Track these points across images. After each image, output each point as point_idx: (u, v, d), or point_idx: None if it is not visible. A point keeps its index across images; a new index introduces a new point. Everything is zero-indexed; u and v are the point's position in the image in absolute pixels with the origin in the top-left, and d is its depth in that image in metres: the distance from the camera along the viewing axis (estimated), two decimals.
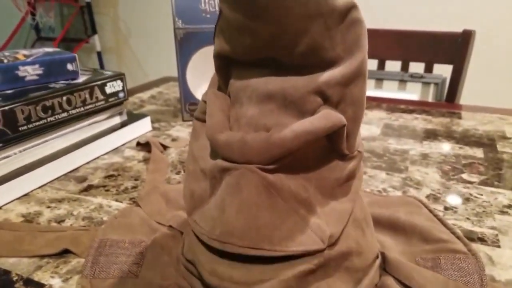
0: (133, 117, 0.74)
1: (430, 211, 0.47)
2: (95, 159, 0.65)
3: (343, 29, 0.31)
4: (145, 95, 0.97)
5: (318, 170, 0.34)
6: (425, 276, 0.37)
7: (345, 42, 0.32)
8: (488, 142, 0.70)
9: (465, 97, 2.09)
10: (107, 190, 0.55)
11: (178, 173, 0.60)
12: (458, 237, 0.42)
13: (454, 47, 1.00)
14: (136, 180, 0.58)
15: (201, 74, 0.79)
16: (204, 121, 0.39)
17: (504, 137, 0.72)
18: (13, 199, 0.53)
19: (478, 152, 0.66)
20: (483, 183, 0.57)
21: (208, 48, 0.76)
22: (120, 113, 0.72)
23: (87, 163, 0.64)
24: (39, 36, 3.17)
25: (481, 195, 0.54)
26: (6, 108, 0.52)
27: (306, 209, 0.33)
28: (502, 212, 0.50)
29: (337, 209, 0.35)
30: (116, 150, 0.68)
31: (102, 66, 2.94)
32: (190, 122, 0.80)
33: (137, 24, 2.76)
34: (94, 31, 2.89)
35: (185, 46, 0.75)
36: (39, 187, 0.56)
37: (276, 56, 0.32)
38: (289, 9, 0.29)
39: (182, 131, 0.76)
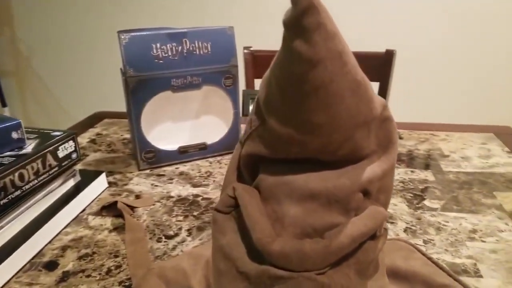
0: (86, 176, 0.68)
1: (424, 254, 0.51)
2: (57, 234, 0.59)
3: (377, 127, 0.33)
4: (82, 139, 0.89)
5: (356, 255, 0.35)
6: None
7: (378, 137, 0.33)
8: (432, 163, 0.77)
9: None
10: (88, 276, 0.51)
11: (159, 240, 0.57)
12: (456, 280, 0.46)
13: (379, 66, 1.08)
14: (116, 256, 0.54)
15: (155, 120, 0.75)
16: (226, 213, 0.38)
17: (443, 155, 0.80)
18: None
19: (429, 175, 0.73)
20: (444, 208, 0.63)
21: (163, 94, 0.72)
22: (74, 175, 0.66)
23: (50, 242, 0.57)
24: None
25: (447, 222, 0.60)
26: None
27: None
28: (470, 238, 0.56)
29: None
30: (78, 220, 0.62)
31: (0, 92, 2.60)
32: (148, 171, 0.76)
33: (39, 43, 2.49)
34: None
35: (139, 94, 0.70)
36: (3, 286, 0.49)
37: (317, 157, 0.33)
38: (341, 123, 0.29)
39: (142, 183, 0.72)
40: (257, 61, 1.22)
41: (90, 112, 2.30)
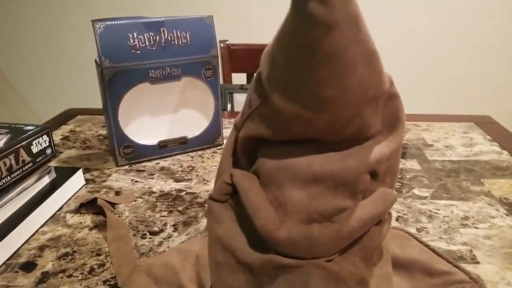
0: (62, 173, 0.64)
1: (420, 241, 0.49)
2: (34, 234, 0.54)
3: (383, 105, 0.31)
4: (55, 136, 0.85)
5: (361, 241, 0.34)
6: None
7: (384, 116, 0.32)
8: (417, 152, 0.77)
9: None
10: (69, 276, 0.47)
11: (143, 237, 0.54)
12: (456, 266, 0.45)
13: None
14: (99, 255, 0.51)
15: (133, 114, 0.71)
16: (223, 202, 0.35)
17: (427, 145, 0.80)
18: None
19: (415, 164, 0.72)
20: (434, 197, 0.62)
21: (141, 86, 0.69)
22: (49, 172, 0.62)
23: (26, 242, 0.53)
24: None
25: (439, 210, 0.59)
26: None
27: (364, 287, 0.32)
28: (463, 225, 0.56)
29: (381, 276, 0.35)
30: (55, 218, 0.58)
31: None
32: (127, 167, 0.72)
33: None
34: None
35: (115, 86, 0.67)
36: None
37: (320, 137, 0.31)
38: (351, 97, 0.27)
39: (122, 179, 0.68)
40: (234, 55, 1.20)
41: (57, 111, 2.19)
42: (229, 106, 1.08)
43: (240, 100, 1.11)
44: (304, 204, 0.31)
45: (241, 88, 1.03)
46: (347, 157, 0.31)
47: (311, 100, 0.27)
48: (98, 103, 2.22)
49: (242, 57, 1.20)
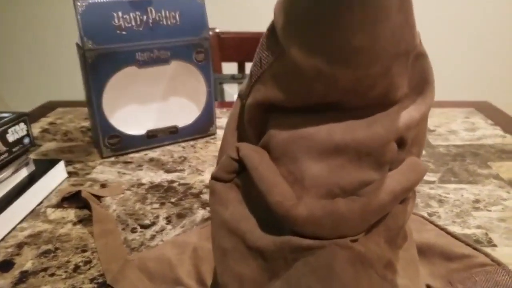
0: (42, 166, 0.59)
1: (436, 225, 0.46)
2: (11, 230, 0.49)
3: (411, 65, 0.27)
4: (33, 129, 0.79)
5: (384, 221, 0.30)
6: None
7: (411, 78, 0.28)
8: None
9: None
10: (52, 275, 0.42)
11: (133, 230, 0.49)
12: (475, 249, 0.42)
13: None
14: (84, 251, 0.46)
15: (119, 101, 0.66)
16: (228, 181, 0.31)
17: (429, 130, 0.77)
18: None
19: None
20: (442, 181, 0.59)
21: (127, 70, 0.64)
22: (27, 164, 0.56)
23: (3, 239, 0.48)
24: None
25: (448, 194, 0.56)
26: None
27: (391, 271, 0.28)
28: (475, 208, 0.52)
29: (407, 259, 0.31)
30: (34, 213, 0.53)
31: None
32: (112, 159, 0.67)
33: None
34: None
35: (99, 70, 0.61)
36: None
37: (341, 101, 0.27)
38: (382, 49, 0.23)
39: (107, 172, 0.63)
40: (224, 44, 1.15)
41: (35, 106, 2.06)
42: (218, 98, 1.04)
43: (230, 92, 1.06)
44: (324, 178, 0.26)
45: (232, 78, 0.98)
46: (373, 124, 0.27)
47: (337, 51, 0.23)
48: (80, 96, 2.07)
49: (233, 45, 1.15)
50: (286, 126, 0.28)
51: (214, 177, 0.31)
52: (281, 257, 0.26)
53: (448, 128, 0.78)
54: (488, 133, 0.75)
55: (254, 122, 0.30)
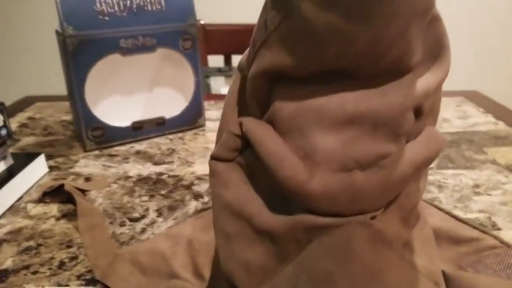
0: (20, 159, 0.55)
1: (440, 209, 0.44)
2: None
3: (425, 30, 0.25)
4: (11, 124, 0.75)
5: (398, 199, 0.28)
6: (489, 284, 0.34)
7: (426, 44, 0.26)
8: None
9: None
10: (35, 273, 0.39)
11: (122, 224, 0.46)
12: (483, 231, 0.41)
13: None
14: (69, 247, 0.42)
15: (102, 91, 0.63)
16: (229, 161, 0.28)
17: None
18: None
19: None
20: (440, 167, 0.58)
21: (110, 58, 0.61)
22: (4, 157, 0.53)
23: None
24: None
25: (447, 179, 0.54)
26: None
27: (409, 250, 0.26)
28: (476, 193, 0.51)
29: (424, 238, 0.29)
30: (14, 209, 0.49)
31: None
32: (96, 152, 0.64)
33: None
34: None
35: (81, 58, 0.58)
36: None
37: (352, 67, 0.24)
38: (403, 4, 0.21)
39: (91, 165, 0.60)
40: (209, 36, 1.12)
41: (11, 101, 1.97)
42: (205, 92, 1.01)
43: (215, 87, 1.03)
44: (337, 151, 0.24)
45: (219, 71, 0.95)
46: (388, 92, 0.24)
47: (355, 5, 0.20)
48: (59, 90, 1.96)
49: (219, 37, 1.12)
50: (293, 98, 0.26)
51: (214, 157, 0.29)
52: (293, 239, 0.24)
53: (440, 116, 0.77)
54: (481, 120, 0.74)
55: (257, 95, 0.27)
